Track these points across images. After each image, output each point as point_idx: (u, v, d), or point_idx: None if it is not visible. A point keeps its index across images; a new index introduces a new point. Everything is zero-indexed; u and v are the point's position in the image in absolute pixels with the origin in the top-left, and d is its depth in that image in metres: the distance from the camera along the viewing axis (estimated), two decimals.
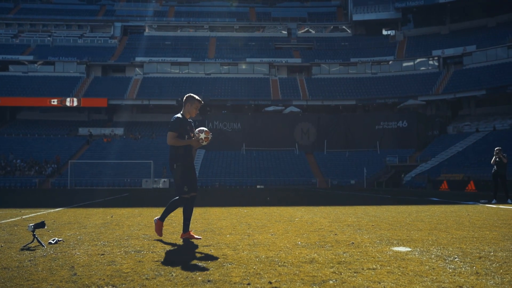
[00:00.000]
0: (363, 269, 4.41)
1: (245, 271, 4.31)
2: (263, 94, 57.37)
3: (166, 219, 7.02)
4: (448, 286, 3.75)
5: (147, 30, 68.56)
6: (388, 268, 4.44)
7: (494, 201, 15.00)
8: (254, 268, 4.43)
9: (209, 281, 3.95)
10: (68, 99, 53.67)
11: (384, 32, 69.10)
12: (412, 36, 64.27)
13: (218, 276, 4.13)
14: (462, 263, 4.68)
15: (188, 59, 61.62)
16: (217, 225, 8.27)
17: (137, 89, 57.40)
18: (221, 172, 45.67)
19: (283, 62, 62.14)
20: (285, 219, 9.38)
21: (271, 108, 54.17)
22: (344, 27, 69.22)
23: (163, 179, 43.13)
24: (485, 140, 45.24)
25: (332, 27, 69.56)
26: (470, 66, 55.12)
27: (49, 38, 64.48)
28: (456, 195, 22.44)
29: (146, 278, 4.04)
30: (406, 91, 54.49)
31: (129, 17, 69.59)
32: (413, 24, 66.06)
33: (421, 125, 50.77)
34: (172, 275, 4.15)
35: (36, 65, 59.33)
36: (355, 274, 4.19)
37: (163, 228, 7.06)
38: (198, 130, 6.34)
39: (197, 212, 11.56)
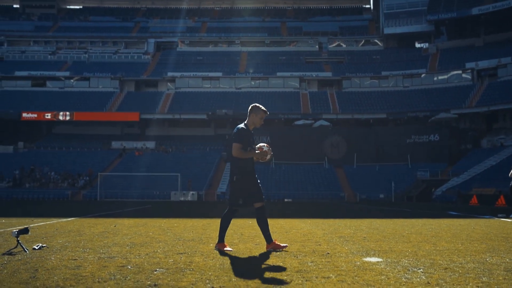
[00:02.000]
0: (316, 277, 4.43)
1: (198, 277, 4.39)
2: (293, 108, 57.40)
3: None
4: None
5: (179, 46, 69.80)
6: (343, 277, 4.44)
7: None
8: (209, 275, 4.51)
9: (155, 285, 4.04)
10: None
11: (417, 45, 68.32)
12: (445, 48, 63.25)
13: (168, 281, 4.22)
14: (422, 274, 4.63)
15: (219, 74, 62.33)
16: (209, 235, 8.37)
17: (168, 103, 58.37)
18: None
19: (314, 76, 62.11)
20: (281, 230, 9.40)
21: (300, 122, 54.11)
22: (375, 40, 68.76)
23: (191, 192, 43.55)
24: None
25: (363, 40, 69.19)
26: (505, 78, 53.73)
27: (85, 54, 66.44)
28: (481, 209, 21.86)
29: (98, 281, 4.16)
30: (439, 105, 53.51)
31: (163, 33, 71.04)
32: (446, 37, 65.03)
33: (453, 139, 49.71)
34: (125, 279, 4.26)
35: (72, 80, 61.18)
36: (304, 282, 4.21)
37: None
38: (264, 145, 6.26)
39: (201, 223, 11.70)
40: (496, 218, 14.13)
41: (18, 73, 61.06)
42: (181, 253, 5.94)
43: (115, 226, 10.35)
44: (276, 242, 6.22)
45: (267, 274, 4.57)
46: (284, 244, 6.33)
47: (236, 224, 10.85)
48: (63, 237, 7.81)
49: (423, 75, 58.92)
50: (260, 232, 8.85)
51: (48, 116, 55.08)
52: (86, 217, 13.98)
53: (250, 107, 6.29)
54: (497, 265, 5.16)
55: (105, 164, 50.59)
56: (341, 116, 55.67)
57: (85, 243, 6.93)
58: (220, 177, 47.89)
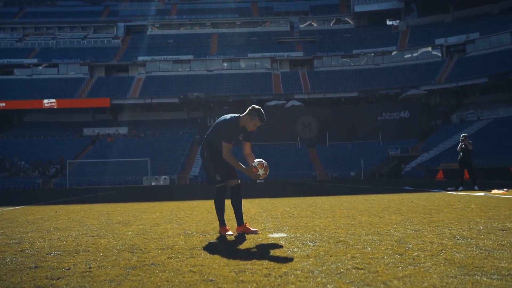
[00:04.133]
0: (204, 253, 4.49)
1: (87, 258, 4.42)
2: (265, 88, 57.34)
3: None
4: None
5: (149, 29, 68.93)
6: (225, 252, 4.51)
7: (461, 188, 14.90)
8: (100, 255, 4.55)
9: (36, 266, 4.05)
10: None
11: (388, 23, 68.56)
12: (415, 25, 63.60)
13: (53, 262, 4.24)
14: (312, 247, 4.73)
15: (190, 57, 61.85)
16: (141, 217, 8.40)
17: (139, 88, 57.85)
18: None
19: (285, 56, 62.02)
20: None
21: (272, 103, 54.12)
22: (346, 19, 68.78)
23: (163, 176, 43.46)
24: (488, 128, 44.69)
25: (334, 19, 69.15)
26: (473, 54, 54.37)
27: (53, 40, 65.24)
28: (440, 183, 22.24)
29: None
30: (409, 81, 53.94)
31: (132, 16, 70.06)
32: (417, 13, 65.38)
33: (423, 115, 50.33)
34: (10, 263, 4.27)
35: (40, 68, 60.15)
36: (185, 259, 4.27)
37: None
38: (258, 163, 5.70)
39: (146, 206, 11.73)
40: (443, 192, 14.41)
41: None
42: (93, 236, 5.97)
43: (55, 212, 10.32)
44: (247, 225, 5.89)
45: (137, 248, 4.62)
46: (255, 229, 5.92)
47: (186, 206, 10.89)
48: None
49: (393, 53, 59.26)
50: (199, 211, 8.89)
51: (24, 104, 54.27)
52: (37, 205, 13.89)
53: (251, 107, 5.68)
54: (392, 236, 5.29)
55: (77, 152, 50.13)
56: (313, 96, 55.84)
57: (5, 230, 6.90)
58: (193, 160, 47.86)
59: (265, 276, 3.51)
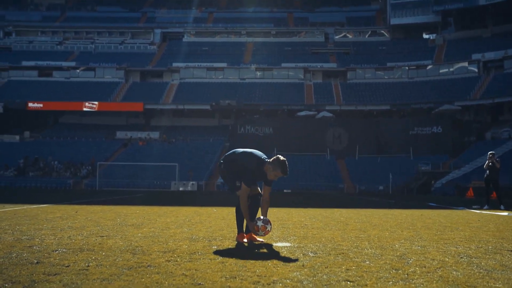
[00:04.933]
0: (203, 258, 4.56)
1: (89, 257, 4.54)
2: (297, 99, 57.29)
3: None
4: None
5: (185, 36, 69.88)
6: (231, 259, 4.57)
7: (486, 206, 14.55)
8: (102, 255, 4.67)
9: (37, 262, 4.20)
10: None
11: (425, 36, 67.72)
12: (452, 39, 62.59)
13: (55, 259, 4.38)
14: (311, 257, 4.74)
15: (224, 64, 62.37)
16: (154, 220, 8.54)
17: (173, 94, 58.64)
18: None
19: (319, 67, 61.89)
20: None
21: (303, 113, 54.07)
22: (382, 31, 68.24)
23: (191, 182, 43.83)
24: None
25: (370, 31, 68.69)
26: (511, 70, 53.13)
27: (91, 45, 66.85)
28: (469, 201, 21.75)
29: None
30: (443, 97, 53.04)
31: (169, 23, 71.16)
32: (454, 28, 64.34)
33: (456, 131, 49.36)
34: (16, 257, 4.43)
35: (78, 71, 61.68)
36: (183, 262, 4.34)
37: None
38: (262, 225, 5.59)
39: (166, 210, 11.89)
40: (467, 210, 14.12)
41: (25, 63, 61.67)
42: (102, 236, 6.12)
43: (76, 212, 10.57)
44: (253, 234, 5.83)
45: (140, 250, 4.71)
46: (261, 239, 5.86)
47: (205, 212, 11.00)
48: (10, 221, 8.02)
49: (429, 67, 58.46)
50: (218, 219, 8.99)
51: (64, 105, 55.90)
52: (61, 204, 14.24)
53: (276, 157, 5.64)
54: (396, 251, 5.25)
55: (108, 154, 51.04)
56: (344, 108, 55.49)
57: (21, 227, 7.13)
58: None
59: (253, 283, 3.55)
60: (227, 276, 3.77)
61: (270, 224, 5.66)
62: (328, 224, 8.43)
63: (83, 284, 3.45)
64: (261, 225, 5.60)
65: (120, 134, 56.51)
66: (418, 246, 5.64)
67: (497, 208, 14.36)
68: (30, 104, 55.61)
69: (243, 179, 5.68)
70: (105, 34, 70.05)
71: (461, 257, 4.89)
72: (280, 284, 3.54)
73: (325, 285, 3.56)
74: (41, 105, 55.90)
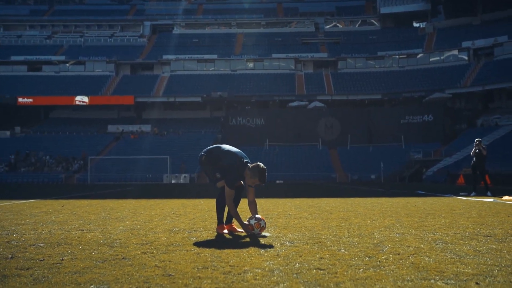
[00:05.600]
0: (181, 250, 4.58)
1: (65, 251, 4.55)
2: (288, 89, 57.29)
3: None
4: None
5: (175, 29, 69.54)
6: (207, 249, 4.59)
7: (473, 193, 14.65)
8: (79, 248, 4.68)
9: (12, 257, 4.19)
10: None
11: (415, 25, 67.79)
12: (442, 28, 62.67)
13: (30, 253, 4.38)
14: (288, 247, 4.77)
15: (215, 56, 62.20)
16: (139, 213, 8.54)
17: (164, 86, 58.46)
18: None
19: (309, 57, 61.85)
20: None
21: (295, 104, 54.06)
22: (372, 20, 68.20)
23: (183, 175, 43.83)
24: None
25: (360, 21, 68.64)
26: (501, 57, 53.29)
27: (80, 38, 66.43)
28: (459, 188, 21.89)
29: None
30: (434, 85, 53.20)
31: (159, 16, 70.79)
32: (444, 16, 64.42)
33: (447, 119, 49.55)
34: None
35: (67, 65, 61.32)
36: (158, 254, 4.36)
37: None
38: (256, 222, 5.59)
39: (152, 203, 11.89)
40: (454, 197, 14.21)
41: (14, 58, 61.24)
42: (82, 230, 6.12)
43: (62, 206, 10.56)
44: (233, 225, 6.00)
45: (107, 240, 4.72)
46: (240, 229, 5.92)
47: (190, 204, 11.00)
48: None
49: (419, 55, 58.56)
50: (200, 211, 8.96)
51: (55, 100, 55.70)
52: (49, 199, 14.20)
53: (256, 165, 5.62)
54: (373, 239, 5.29)
55: (100, 148, 50.89)
56: (336, 97, 55.57)
57: (3, 222, 7.12)
58: None
59: (224, 274, 3.57)
60: (199, 267, 3.79)
61: (263, 220, 5.69)
62: (312, 213, 8.47)
63: (53, 277, 3.46)
64: (255, 223, 5.62)
65: (111, 128, 56.30)
66: (396, 234, 5.68)
67: (484, 194, 14.46)
68: (20, 99, 55.29)
69: (226, 181, 5.68)
70: (94, 27, 69.60)
71: (437, 244, 4.94)
72: (251, 274, 3.56)
73: (296, 273, 3.58)
74: (31, 100, 55.59)
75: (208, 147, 6.08)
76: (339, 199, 13.18)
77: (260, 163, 5.71)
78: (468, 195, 14.64)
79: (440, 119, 48.94)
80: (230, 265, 3.86)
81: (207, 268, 3.76)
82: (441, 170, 40.59)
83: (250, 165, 5.69)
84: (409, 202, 11.54)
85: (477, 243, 4.95)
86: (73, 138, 53.49)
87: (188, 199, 13.46)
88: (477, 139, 15.55)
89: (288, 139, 50.47)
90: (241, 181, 5.94)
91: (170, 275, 3.53)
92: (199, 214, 8.40)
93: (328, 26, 68.53)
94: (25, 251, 4.54)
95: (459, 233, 5.70)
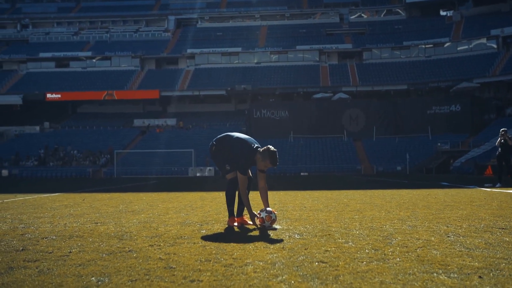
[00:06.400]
0: (188, 242, 4.62)
1: (77, 243, 4.63)
2: (313, 81, 56.98)
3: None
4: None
5: (199, 22, 69.79)
6: (214, 242, 4.62)
7: (498, 184, 14.35)
8: (89, 241, 4.75)
9: (23, 249, 4.29)
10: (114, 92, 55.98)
11: (442, 13, 66.46)
12: (470, 15, 61.28)
13: (40, 246, 4.48)
14: (296, 240, 4.76)
15: (239, 49, 62.22)
16: (155, 205, 8.63)
17: (188, 80, 58.80)
18: None
19: (334, 48, 61.30)
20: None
21: (319, 95, 53.80)
22: (398, 9, 67.16)
23: (208, 168, 44.09)
24: None
25: (385, 10, 67.67)
26: None
27: (106, 34, 67.27)
28: (486, 179, 21.47)
29: None
30: (462, 74, 52.21)
31: (183, 10, 71.12)
32: (472, 3, 62.89)
33: (475, 109, 48.57)
34: (4, 245, 4.54)
35: (94, 60, 62.22)
36: (167, 246, 4.40)
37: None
38: (267, 215, 5.57)
39: (176, 196, 12.00)
40: (478, 188, 13.95)
41: (42, 55, 62.42)
42: (96, 223, 6.21)
43: (83, 200, 10.74)
44: (245, 218, 5.99)
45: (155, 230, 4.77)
46: (250, 222, 5.88)
47: (209, 196, 11.06)
48: (15, 210, 8.20)
49: (446, 45, 57.45)
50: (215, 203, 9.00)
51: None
52: (72, 192, 14.47)
53: (266, 148, 5.61)
54: (383, 231, 5.23)
55: (126, 142, 51.58)
56: (361, 89, 55.05)
57: (23, 216, 7.28)
58: None
59: (225, 266, 3.58)
60: (202, 260, 3.81)
61: (274, 213, 5.68)
62: (328, 206, 8.43)
63: (58, 269, 3.52)
64: (266, 216, 5.61)
65: (137, 122, 57.02)
66: (408, 226, 5.60)
67: (509, 185, 14.15)
68: (49, 95, 56.37)
69: (238, 168, 5.69)
70: (120, 22, 70.36)
71: (448, 236, 4.85)
72: (252, 266, 3.56)
73: (297, 266, 3.57)
74: (59, 96, 56.62)
75: (218, 136, 6.09)
76: (358, 191, 13.08)
77: (271, 146, 5.70)
78: (493, 186, 14.34)
79: (468, 109, 48.01)
80: (233, 258, 3.87)
81: (210, 261, 3.78)
82: (469, 161, 39.87)
83: (260, 149, 5.69)
84: (429, 194, 11.37)
85: (490, 236, 4.85)
86: (100, 132, 54.34)
87: (208, 192, 13.54)
88: (503, 129, 15.23)
89: (313, 131, 50.28)
90: (249, 172, 5.95)
91: (172, 267, 3.55)
92: (215, 207, 8.44)
93: (352, 17, 67.79)
94: (36, 244, 4.64)
95: (473, 226, 5.59)
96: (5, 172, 44.10)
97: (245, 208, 5.89)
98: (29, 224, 6.22)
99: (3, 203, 9.94)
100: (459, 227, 5.47)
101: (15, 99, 56.30)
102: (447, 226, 5.56)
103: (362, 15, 68.26)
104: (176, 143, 49.55)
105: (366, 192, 12.80)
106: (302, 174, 42.50)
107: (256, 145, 5.77)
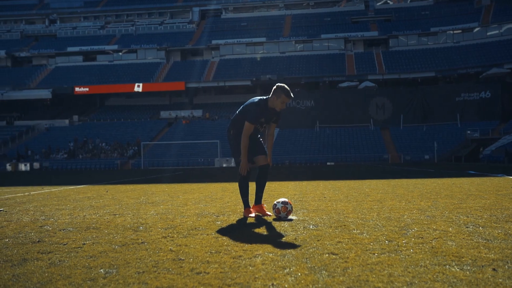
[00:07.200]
0: (205, 234, 4.62)
1: (92, 235, 4.68)
2: (338, 70, 56.43)
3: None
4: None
5: (224, 13, 69.76)
6: (236, 231, 4.61)
7: None
8: (105, 233, 4.80)
9: (39, 241, 4.36)
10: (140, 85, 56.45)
11: None
12: None
13: (57, 238, 4.54)
14: (311, 230, 4.71)
15: (263, 39, 62.00)
16: (181, 198, 8.68)
17: (213, 71, 58.93)
18: (292, 150, 45.82)
19: (359, 36, 60.52)
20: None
21: (345, 84, 53.27)
22: None
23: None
24: None
25: None
26: None
27: (132, 27, 67.86)
28: (510, 168, 21.01)
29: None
30: (491, 60, 50.95)
31: (207, 1, 71.14)
32: None
33: (506, 95, 47.38)
34: (23, 236, 4.62)
35: (120, 53, 62.89)
36: (188, 236, 4.41)
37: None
38: (283, 206, 5.51)
39: (193, 187, 12.05)
40: (505, 177, 13.62)
41: (70, 49, 63.37)
42: (115, 214, 6.28)
43: (107, 191, 10.88)
44: (264, 207, 5.90)
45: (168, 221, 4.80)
46: (269, 213, 5.86)
47: (225, 187, 11.10)
48: (38, 202, 8.36)
49: (475, 30, 56.09)
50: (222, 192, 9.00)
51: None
52: (99, 184, 14.68)
53: (275, 86, 5.65)
54: (400, 222, 5.15)
55: (154, 134, 52.10)
56: (387, 77, 54.29)
57: (45, 207, 7.41)
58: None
59: (234, 258, 3.56)
60: (213, 251, 3.80)
61: (290, 204, 5.63)
62: (349, 196, 8.34)
63: (69, 261, 3.56)
64: (282, 206, 5.57)
65: (164, 114, 57.52)
66: (427, 216, 5.50)
67: None
68: (77, 89, 57.26)
69: (248, 116, 5.60)
70: (145, 15, 70.86)
71: (467, 227, 4.73)
72: (261, 258, 3.53)
73: (307, 258, 3.53)
74: (87, 89, 57.45)
75: (232, 118, 6.02)
76: (382, 181, 12.91)
77: (278, 83, 5.77)
78: None
79: (498, 96, 46.89)
80: (243, 250, 3.85)
81: (220, 252, 3.77)
82: (499, 149, 39.00)
83: (267, 96, 5.74)
84: (454, 183, 11.15)
85: (511, 226, 4.72)
86: (127, 124, 55.04)
87: (231, 183, 13.56)
88: None
89: (339, 121, 49.91)
90: (266, 157, 5.86)
91: (181, 259, 3.55)
92: (234, 198, 8.44)
93: (378, 4, 66.80)
94: (53, 235, 4.71)
95: (494, 216, 5.45)
96: (36, 165, 45.13)
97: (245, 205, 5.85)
98: (50, 216, 6.32)
99: (29, 196, 10.15)
100: (479, 217, 5.34)
101: (45, 93, 57.40)
102: (467, 216, 5.43)
103: (388, 1, 67.20)
104: (202, 134, 49.87)
105: (389, 181, 12.62)
106: (328, 163, 42.26)
107: (264, 97, 5.78)
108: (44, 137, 52.24)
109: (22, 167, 44.74)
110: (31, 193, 11.06)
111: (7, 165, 44.78)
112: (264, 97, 5.75)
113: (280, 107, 5.64)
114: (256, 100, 5.73)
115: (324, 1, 68.73)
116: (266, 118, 5.72)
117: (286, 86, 5.60)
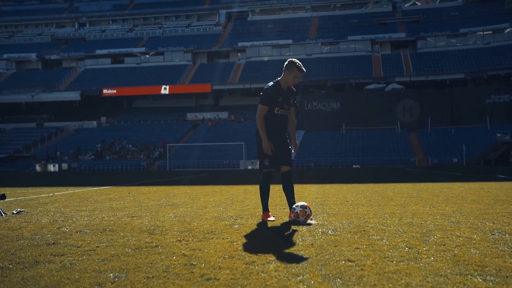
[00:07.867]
0: (219, 238, 4.54)
1: (108, 238, 4.65)
2: (365, 72, 55.79)
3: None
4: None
5: (250, 15, 69.81)
6: (250, 234, 4.52)
7: None
8: (120, 235, 4.76)
9: (54, 243, 4.35)
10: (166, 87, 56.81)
11: None
12: None
13: (73, 240, 4.53)
14: (329, 235, 4.59)
15: (289, 41, 61.77)
16: (202, 200, 8.63)
17: (239, 73, 58.98)
18: (317, 153, 45.46)
19: (386, 38, 59.76)
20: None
21: (372, 86, 52.66)
22: None
23: None
24: None
25: None
26: None
27: (159, 30, 68.47)
28: None
29: (16, 239, 4.55)
30: None
31: (234, 3, 71.32)
32: None
33: None
34: (40, 238, 4.62)
35: (147, 56, 63.52)
36: (197, 240, 4.34)
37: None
38: (301, 210, 5.41)
39: (212, 190, 12.00)
40: None
41: (98, 52, 64.24)
42: (133, 217, 6.26)
43: (129, 193, 10.92)
44: (270, 214, 5.80)
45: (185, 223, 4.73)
46: (272, 218, 5.73)
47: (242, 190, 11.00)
48: (60, 203, 8.42)
49: (506, 30, 54.79)
50: (241, 195, 8.93)
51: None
52: (120, 185, 14.77)
53: (286, 62, 5.70)
54: (423, 228, 4.98)
55: (180, 135, 52.39)
56: (415, 79, 53.44)
57: (66, 209, 7.45)
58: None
59: (246, 264, 3.47)
60: (226, 256, 3.72)
61: (309, 208, 5.52)
62: (371, 200, 8.16)
63: (80, 264, 3.53)
64: (300, 210, 5.46)
65: (190, 116, 57.83)
66: (451, 222, 5.31)
67: None
68: (105, 91, 57.98)
69: (261, 97, 5.67)
70: (172, 18, 71.45)
71: (492, 234, 4.55)
72: (274, 264, 3.44)
73: (322, 264, 3.41)
74: (115, 91, 58.13)
75: None
76: (407, 184, 12.64)
77: (289, 59, 5.77)
78: None
79: None
80: (257, 255, 3.75)
81: (233, 257, 3.68)
82: None
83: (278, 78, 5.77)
84: (482, 187, 10.84)
85: None
86: (154, 126, 55.49)
87: (253, 185, 13.47)
88: None
89: (365, 123, 49.32)
90: (286, 167, 5.78)
91: (192, 264, 3.48)
92: (255, 201, 8.35)
93: (406, 5, 65.88)
94: (68, 237, 4.69)
95: None
96: (64, 166, 45.88)
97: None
98: (69, 217, 6.34)
99: (53, 197, 10.25)
100: (506, 224, 5.13)
101: (74, 96, 58.34)
102: (493, 223, 5.23)
103: (417, 2, 66.24)
104: (227, 136, 49.92)
105: (414, 185, 12.35)
106: (354, 166, 41.81)
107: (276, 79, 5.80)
108: (73, 139, 53.09)
109: (51, 168, 45.53)
110: (55, 194, 11.18)
111: (37, 166, 45.63)
112: (274, 80, 5.78)
113: (292, 82, 5.68)
114: (268, 85, 5.76)
115: (351, 3, 68.17)
116: (284, 98, 5.70)
117: (298, 61, 5.69)
